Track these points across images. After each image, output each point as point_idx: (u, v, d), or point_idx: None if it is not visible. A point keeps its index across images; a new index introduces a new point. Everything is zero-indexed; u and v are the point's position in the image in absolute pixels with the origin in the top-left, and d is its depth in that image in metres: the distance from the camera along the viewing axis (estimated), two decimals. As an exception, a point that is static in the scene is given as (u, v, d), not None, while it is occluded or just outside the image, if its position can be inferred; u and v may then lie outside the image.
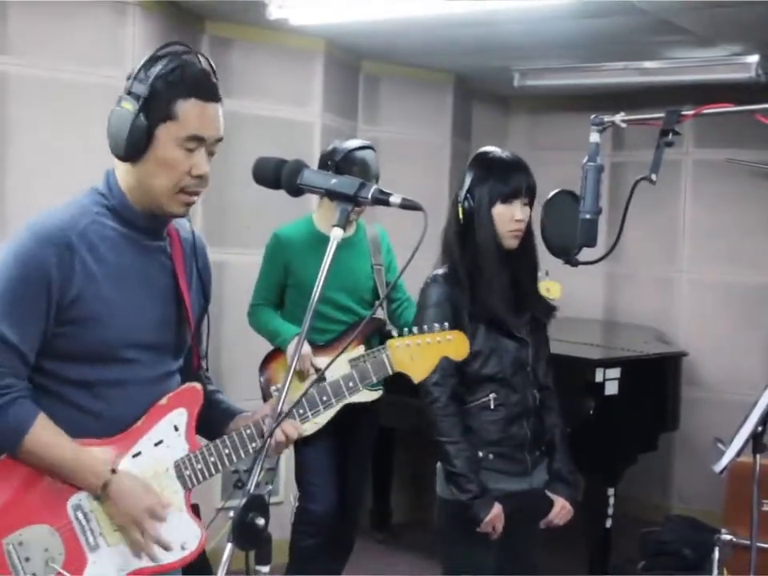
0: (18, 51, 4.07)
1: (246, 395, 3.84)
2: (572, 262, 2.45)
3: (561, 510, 2.98)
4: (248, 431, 2.08)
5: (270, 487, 4.45)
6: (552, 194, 2.69)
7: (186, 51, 2.03)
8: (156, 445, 2.07)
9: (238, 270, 4.66)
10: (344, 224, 1.85)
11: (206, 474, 2.08)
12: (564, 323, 3.50)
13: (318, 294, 1.80)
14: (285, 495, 4.89)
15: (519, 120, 6.83)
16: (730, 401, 5.56)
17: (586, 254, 2.40)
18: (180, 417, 2.09)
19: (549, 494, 2.99)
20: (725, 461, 3.01)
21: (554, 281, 3.02)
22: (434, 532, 3.10)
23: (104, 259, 2.01)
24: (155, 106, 1.96)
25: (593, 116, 2.38)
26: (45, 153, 4.14)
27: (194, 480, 2.07)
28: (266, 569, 1.81)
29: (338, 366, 3.72)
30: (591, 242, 2.34)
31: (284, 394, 1.78)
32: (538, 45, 5.05)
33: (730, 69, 4.95)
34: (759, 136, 5.13)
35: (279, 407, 1.79)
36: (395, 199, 1.84)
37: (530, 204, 2.94)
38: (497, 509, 2.83)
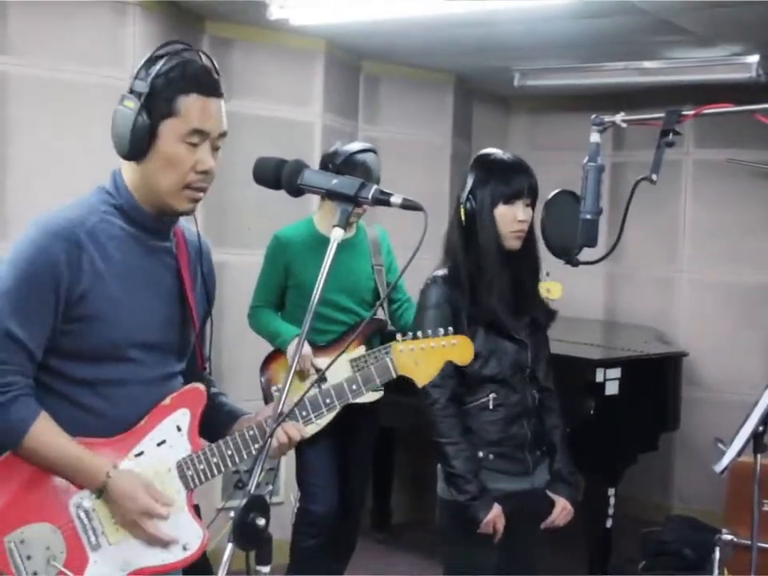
0: (18, 51, 4.07)
1: (246, 395, 3.84)
2: (572, 262, 2.45)
3: (562, 510, 2.98)
4: (251, 432, 2.08)
5: (271, 487, 4.47)
6: (552, 194, 2.69)
7: (186, 49, 2.03)
8: (159, 445, 2.07)
9: (238, 271, 4.66)
10: (344, 224, 1.85)
11: (209, 474, 2.08)
12: (564, 323, 3.49)
13: (318, 295, 1.80)
14: (285, 496, 4.89)
15: (519, 120, 6.83)
16: (731, 401, 5.56)
17: (586, 254, 2.40)
18: (183, 417, 2.09)
19: (550, 494, 2.99)
20: (725, 461, 3.01)
21: (554, 281, 3.01)
22: (434, 532, 3.11)
23: (111, 258, 2.01)
24: (157, 103, 1.96)
25: (593, 116, 2.38)
26: (45, 153, 4.14)
27: (196, 480, 2.07)
28: (266, 569, 1.81)
29: (339, 367, 3.74)
30: (592, 242, 2.34)
31: (284, 394, 1.78)
32: (538, 45, 5.05)
33: (730, 69, 4.95)
34: (759, 136, 5.14)
35: (279, 408, 1.79)
36: (396, 199, 1.85)
37: (532, 205, 2.94)
38: (496, 509, 2.83)
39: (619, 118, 2.36)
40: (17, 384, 1.95)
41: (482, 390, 2.90)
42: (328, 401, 2.13)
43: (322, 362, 3.79)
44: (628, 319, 6.26)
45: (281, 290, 3.96)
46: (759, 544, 3.07)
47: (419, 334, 2.23)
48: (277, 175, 1.93)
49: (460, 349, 2.27)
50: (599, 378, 4.30)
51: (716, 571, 3.56)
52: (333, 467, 3.96)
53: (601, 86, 5.61)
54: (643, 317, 6.15)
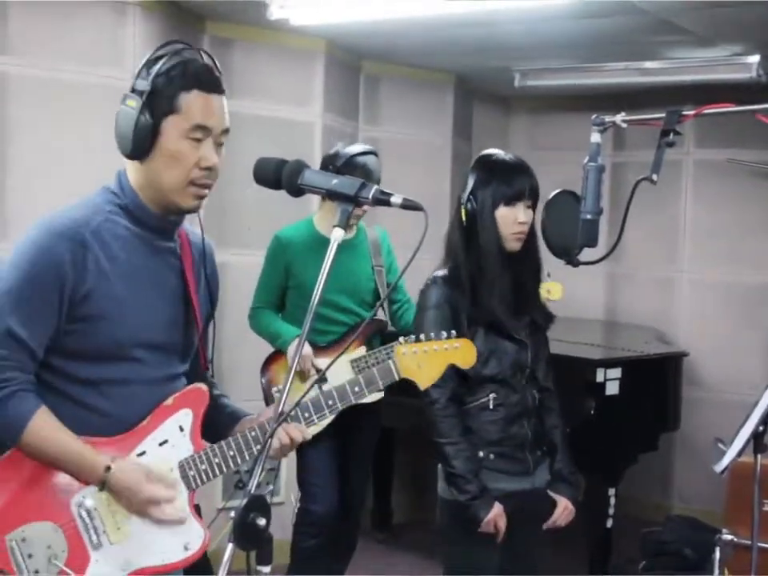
0: (19, 51, 4.07)
1: (247, 396, 3.84)
2: (573, 262, 2.45)
3: (564, 510, 2.98)
4: (253, 434, 2.08)
5: (271, 488, 4.46)
6: (553, 194, 2.69)
7: (187, 48, 2.05)
8: (161, 444, 2.07)
9: (238, 271, 4.66)
10: (345, 225, 1.85)
11: (210, 474, 2.08)
12: (565, 323, 3.49)
13: (318, 296, 1.80)
14: (286, 496, 4.89)
15: (520, 120, 6.83)
16: (731, 401, 5.56)
17: (586, 254, 2.40)
18: (185, 417, 2.09)
19: (551, 494, 2.99)
20: (726, 461, 3.01)
21: (555, 282, 3.01)
22: (435, 532, 3.10)
23: (116, 258, 2.01)
24: (159, 101, 1.97)
25: (594, 116, 2.38)
26: (45, 153, 4.14)
27: (198, 481, 2.07)
28: (267, 569, 1.81)
29: (340, 367, 3.74)
30: (592, 242, 2.34)
31: (284, 395, 1.78)
32: (538, 45, 5.05)
33: (730, 69, 4.95)
34: (760, 136, 5.14)
35: (280, 408, 1.79)
36: (396, 199, 1.85)
37: (533, 206, 2.94)
38: (497, 508, 2.83)
39: (620, 118, 2.36)
40: (15, 380, 1.95)
41: (482, 389, 2.89)
42: (330, 402, 2.13)
43: (322, 362, 3.79)
44: (628, 319, 6.26)
45: (281, 290, 3.96)
46: (759, 544, 3.07)
47: (422, 336, 2.23)
48: (277, 175, 1.93)
49: (463, 352, 2.27)
50: (600, 378, 4.31)
51: (716, 571, 3.56)
52: (333, 467, 3.96)
53: (601, 86, 5.61)
54: (643, 317, 6.15)
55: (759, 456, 3.00)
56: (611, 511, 4.42)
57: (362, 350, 3.89)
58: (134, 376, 2.05)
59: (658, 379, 4.82)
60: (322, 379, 3.58)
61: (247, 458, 2.08)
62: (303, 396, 1.98)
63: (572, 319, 5.34)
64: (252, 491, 1.70)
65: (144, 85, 1.97)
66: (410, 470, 5.78)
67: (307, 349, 3.77)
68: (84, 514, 2.00)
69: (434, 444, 2.87)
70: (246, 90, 4.86)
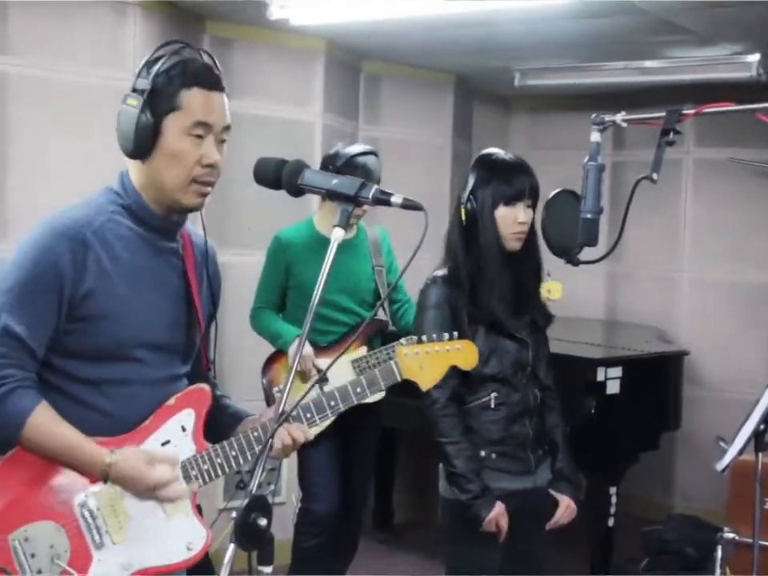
0: (19, 51, 4.07)
1: (247, 396, 3.83)
2: (573, 261, 2.45)
3: (566, 509, 2.98)
4: (255, 434, 2.08)
5: (273, 488, 4.47)
6: (553, 193, 2.69)
7: (186, 47, 2.06)
8: (163, 444, 2.06)
9: (238, 271, 4.66)
10: (345, 225, 1.85)
11: (213, 475, 2.08)
12: (565, 323, 3.50)
13: (318, 296, 1.80)
14: (287, 496, 4.89)
15: (520, 120, 6.83)
16: (732, 399, 5.55)
17: (587, 253, 2.40)
18: (188, 417, 2.10)
19: (552, 493, 2.99)
20: (727, 459, 3.01)
21: (555, 281, 3.01)
22: (436, 532, 3.10)
23: (119, 258, 2.02)
24: (159, 100, 1.98)
25: (594, 115, 2.38)
26: (45, 153, 4.14)
27: (200, 481, 2.07)
28: (268, 569, 1.81)
29: (341, 368, 3.74)
30: (592, 242, 2.34)
31: (285, 395, 1.78)
32: (538, 45, 5.05)
33: (730, 68, 4.95)
34: (760, 135, 5.12)
35: (281, 408, 1.80)
36: (396, 199, 1.85)
37: (533, 206, 2.93)
38: (499, 507, 2.83)
39: (620, 117, 2.36)
40: (13, 377, 1.95)
41: (483, 389, 2.89)
42: (332, 403, 2.13)
43: (323, 362, 3.79)
44: (629, 318, 6.26)
45: (282, 290, 3.96)
46: (761, 542, 3.08)
47: (424, 338, 2.23)
48: (277, 175, 1.93)
49: (464, 353, 2.28)
50: (600, 377, 4.31)
51: (718, 570, 3.56)
52: (335, 467, 3.96)
53: (601, 86, 5.60)
54: (644, 316, 6.15)
55: (760, 454, 3.01)
56: (612, 510, 4.42)
57: (362, 350, 3.88)
58: (135, 376, 2.05)
59: (658, 378, 4.82)
60: (323, 379, 3.58)
61: (249, 458, 2.08)
62: (303, 396, 1.98)
63: (572, 318, 5.34)
64: (253, 491, 1.70)
65: (144, 84, 1.98)
66: (412, 470, 5.78)
67: (308, 349, 3.77)
68: (86, 513, 2.00)
69: (435, 443, 2.87)
70: (246, 90, 4.86)
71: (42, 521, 1.98)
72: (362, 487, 4.16)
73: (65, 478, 2.00)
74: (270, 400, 3.92)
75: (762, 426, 2.95)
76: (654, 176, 2.22)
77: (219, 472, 2.08)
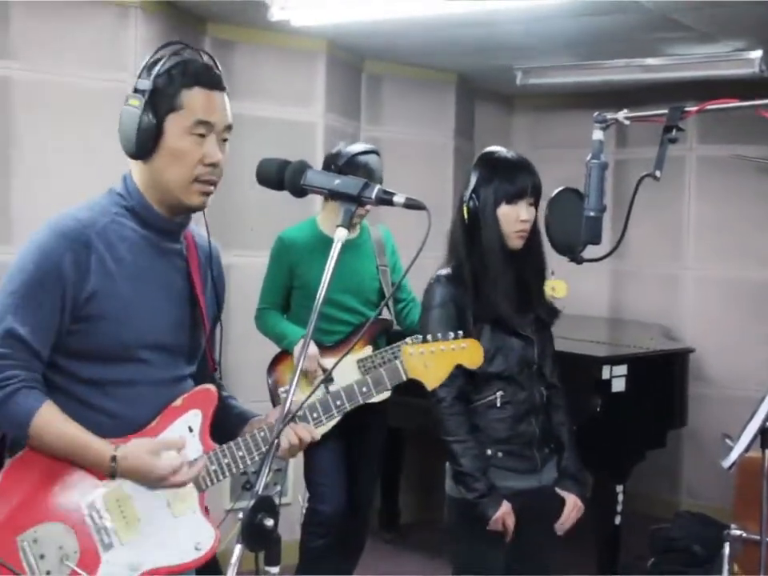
0: (20, 54, 4.08)
1: (253, 397, 3.83)
2: (577, 259, 2.44)
3: (573, 507, 2.97)
4: (262, 434, 2.09)
5: (279, 488, 4.47)
6: (556, 191, 2.68)
7: (187, 48, 2.07)
8: None
9: (242, 272, 4.66)
10: (348, 224, 1.85)
11: (220, 475, 2.09)
12: (570, 321, 3.49)
13: (322, 296, 1.80)
14: (293, 496, 4.89)
15: (522, 118, 6.82)
16: (738, 397, 5.55)
17: (590, 251, 2.39)
18: (195, 418, 2.10)
19: (559, 491, 2.98)
20: (733, 456, 3.01)
21: (559, 279, 3.01)
22: (443, 532, 3.10)
23: (123, 259, 2.02)
24: (161, 100, 1.99)
25: (596, 113, 2.37)
26: (47, 155, 4.14)
27: (208, 481, 2.08)
28: (275, 570, 1.80)
29: (346, 367, 3.74)
30: (596, 240, 2.34)
31: (290, 395, 1.78)
32: (539, 44, 5.04)
33: (732, 65, 4.95)
34: (763, 131, 5.13)
35: (286, 408, 1.80)
36: (399, 199, 1.85)
37: (536, 204, 2.93)
38: (505, 506, 2.82)
39: (622, 115, 2.35)
40: (17, 377, 1.96)
41: (489, 387, 2.89)
42: (338, 403, 2.14)
43: (328, 362, 3.79)
44: (633, 316, 6.25)
45: (286, 291, 3.96)
46: (768, 539, 3.07)
47: (429, 337, 2.23)
48: (280, 176, 1.93)
49: (470, 352, 2.28)
50: (605, 375, 4.30)
51: (726, 567, 3.55)
52: (341, 467, 3.96)
53: (603, 84, 5.60)
54: (649, 314, 6.14)
55: (767, 451, 3.00)
56: (619, 508, 4.41)
57: (368, 350, 3.88)
58: (140, 377, 2.06)
59: (664, 376, 4.82)
60: (329, 379, 3.58)
61: (256, 458, 2.08)
62: (309, 396, 1.98)
63: (577, 317, 5.33)
64: (259, 492, 1.70)
65: (146, 84, 1.99)
66: (418, 470, 5.78)
67: (313, 349, 3.77)
68: (95, 515, 2.01)
69: (442, 442, 2.87)
70: (247, 91, 4.87)
71: (51, 522, 1.98)
72: (368, 487, 4.16)
73: (73, 480, 2.01)
74: (275, 400, 3.92)
75: (767, 423, 2.95)
76: (657, 173, 2.21)
77: (227, 472, 2.09)
